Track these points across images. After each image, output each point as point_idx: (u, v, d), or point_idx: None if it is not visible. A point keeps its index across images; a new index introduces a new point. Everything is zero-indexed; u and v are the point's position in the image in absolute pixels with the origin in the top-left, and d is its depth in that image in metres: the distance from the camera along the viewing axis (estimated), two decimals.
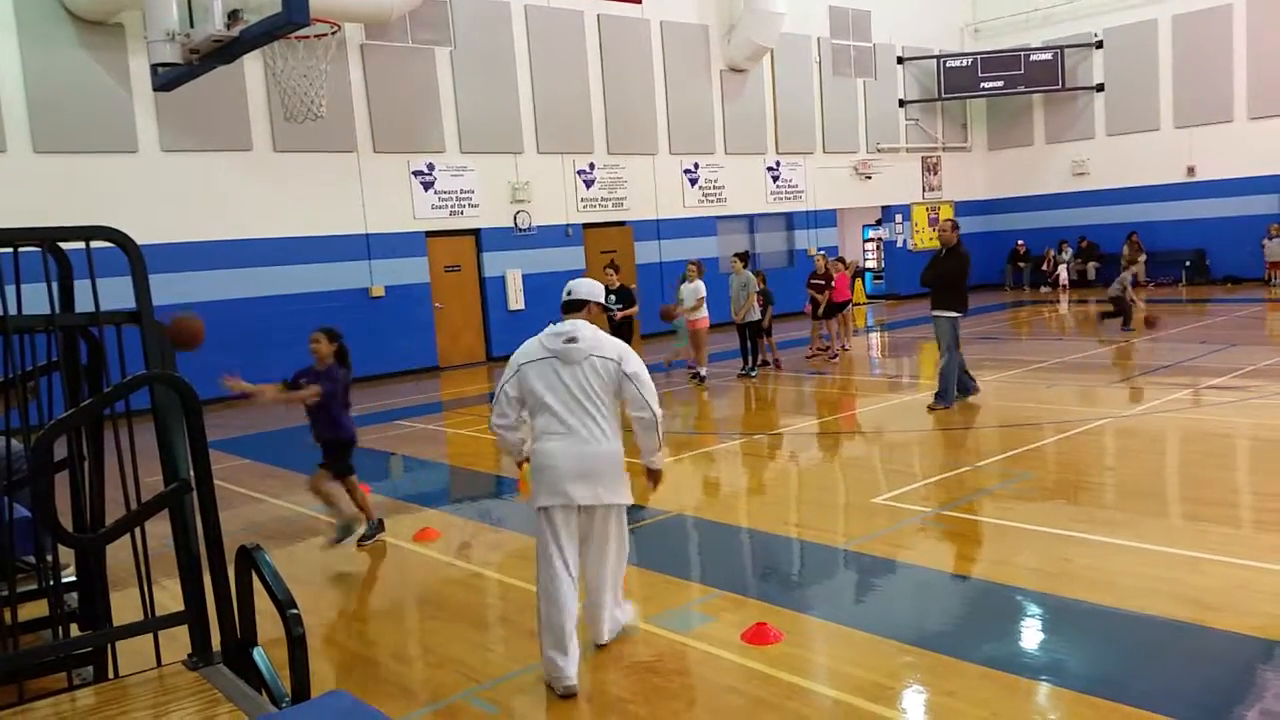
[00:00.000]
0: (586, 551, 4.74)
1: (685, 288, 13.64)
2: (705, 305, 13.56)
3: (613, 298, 12.16)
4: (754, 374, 14.01)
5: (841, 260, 17.28)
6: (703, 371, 13.70)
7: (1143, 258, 24.20)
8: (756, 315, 14.05)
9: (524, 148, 18.63)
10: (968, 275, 10.60)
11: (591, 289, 4.90)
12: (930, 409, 10.59)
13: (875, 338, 18.96)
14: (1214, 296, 20.86)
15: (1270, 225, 22.19)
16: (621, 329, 12.25)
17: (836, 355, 15.28)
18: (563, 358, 4.58)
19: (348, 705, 2.77)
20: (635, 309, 12.46)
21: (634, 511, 7.68)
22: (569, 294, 4.85)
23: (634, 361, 4.66)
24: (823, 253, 16.94)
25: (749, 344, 14.19)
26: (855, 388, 13.24)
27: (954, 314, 10.42)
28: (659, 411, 4.66)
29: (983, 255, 19.97)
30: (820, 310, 15.16)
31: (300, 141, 15.58)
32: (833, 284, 15.16)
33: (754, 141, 22.41)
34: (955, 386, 10.68)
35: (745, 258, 14.32)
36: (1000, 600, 5.28)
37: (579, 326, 4.66)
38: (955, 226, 10.76)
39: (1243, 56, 22.70)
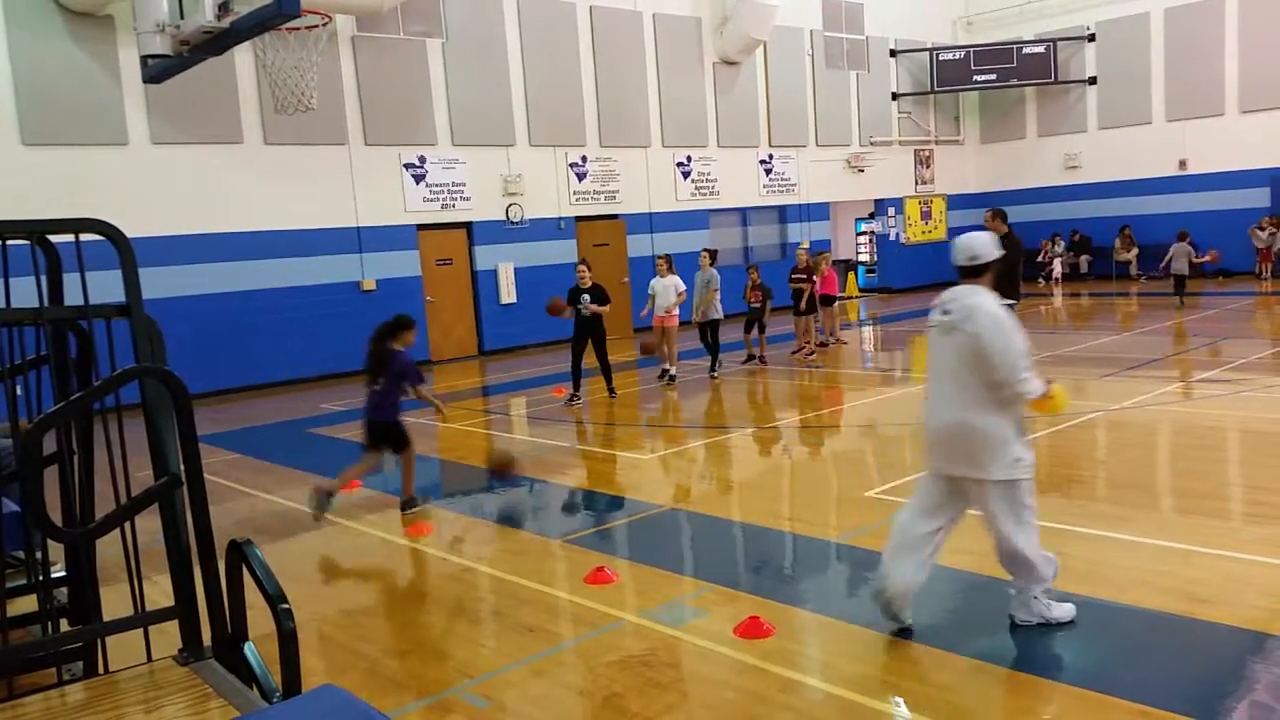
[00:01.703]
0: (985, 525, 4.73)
1: (657, 282, 13.31)
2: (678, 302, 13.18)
3: (586, 297, 11.88)
4: (715, 375, 13.51)
5: (828, 254, 17.26)
6: (673, 370, 13.38)
7: (1135, 251, 24.27)
8: (718, 314, 13.59)
9: (516, 140, 18.58)
10: (1020, 263, 10.73)
11: (977, 248, 4.66)
12: None
13: (867, 332, 18.97)
14: (1205, 290, 20.92)
15: (1261, 218, 22.26)
16: (593, 327, 11.93)
17: (814, 352, 15.00)
18: (940, 328, 4.64)
19: (339, 700, 2.76)
20: (608, 307, 11.99)
21: (632, 503, 7.68)
22: (968, 258, 4.66)
23: (997, 335, 4.41)
24: (804, 248, 16.59)
25: (711, 342, 13.66)
26: (846, 382, 13.25)
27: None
28: (1025, 387, 4.41)
29: None
30: (802, 304, 14.82)
31: (291, 134, 15.51)
32: (815, 278, 15.02)
33: (746, 134, 22.39)
34: None
35: (714, 255, 14.02)
36: (992, 593, 5.28)
37: (957, 297, 4.62)
38: (996, 215, 10.84)
39: (1234, 50, 22.75)
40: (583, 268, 12.12)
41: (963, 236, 4.78)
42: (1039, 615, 4.71)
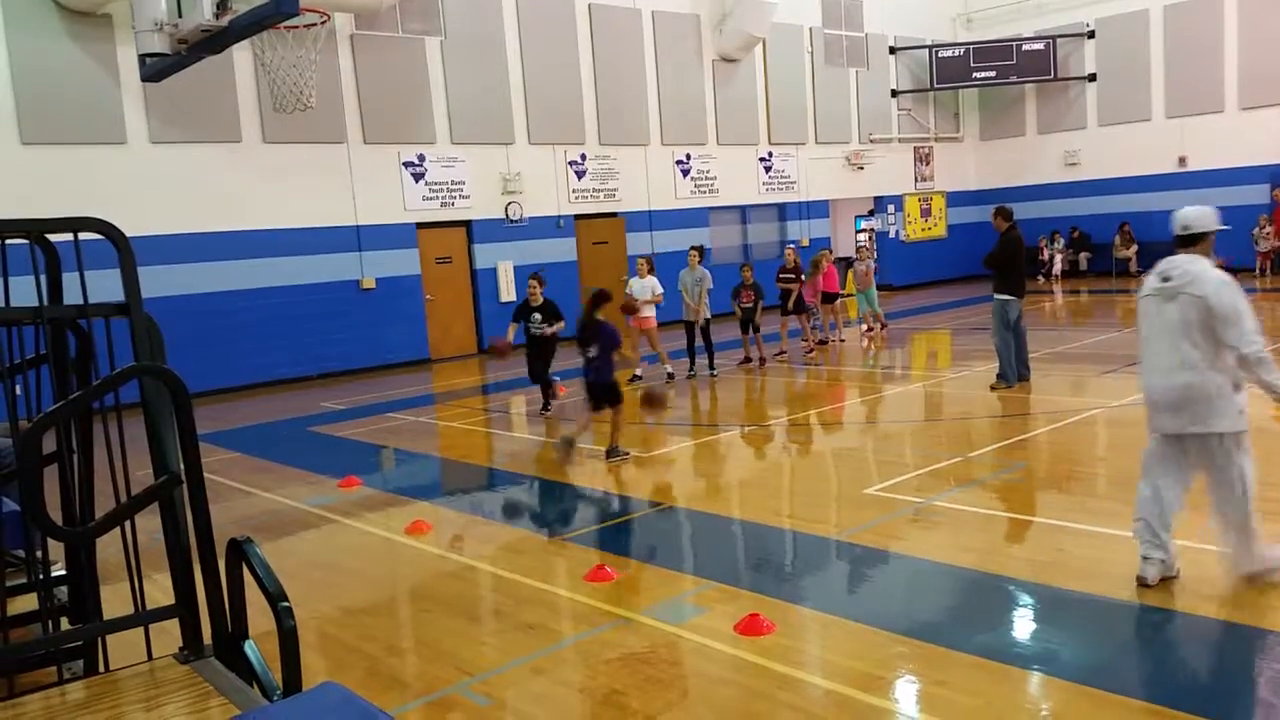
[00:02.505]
0: (1209, 482, 4.97)
1: (635, 282, 13.14)
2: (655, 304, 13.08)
3: (537, 316, 11.05)
4: (714, 373, 13.41)
5: (829, 251, 17.32)
6: (669, 368, 13.24)
7: (1134, 248, 24.25)
8: (708, 313, 13.37)
9: (515, 138, 18.57)
10: (1017, 259, 11.07)
11: (1191, 219, 5.00)
12: (992, 388, 10.99)
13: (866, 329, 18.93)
14: None
15: (1260, 216, 22.26)
16: (546, 347, 11.19)
17: (812, 350, 14.93)
18: (1161, 295, 4.90)
19: (339, 697, 2.76)
20: (562, 324, 11.08)
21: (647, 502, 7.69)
22: (1182, 228, 5.00)
23: (1225, 297, 4.70)
24: (791, 245, 16.50)
25: (705, 342, 13.40)
26: (845, 380, 13.25)
27: (1003, 296, 10.91)
28: (1251, 348, 4.66)
29: (975, 246, 20.02)
30: (790, 305, 14.65)
31: (290, 133, 15.50)
32: (802, 278, 14.91)
33: (746, 132, 22.38)
34: (1011, 365, 11.03)
35: (702, 252, 13.81)
36: (992, 590, 5.29)
37: (1176, 264, 4.90)
38: (998, 213, 11.18)
39: (1234, 46, 22.72)
40: (534, 282, 11.34)
41: (1180, 210, 5.10)
42: (1274, 560, 4.86)
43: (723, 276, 14.18)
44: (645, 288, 13.06)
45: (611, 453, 8.90)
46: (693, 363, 13.65)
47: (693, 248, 14.00)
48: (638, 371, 13.41)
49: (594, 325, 8.88)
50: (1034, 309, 19.74)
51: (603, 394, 8.87)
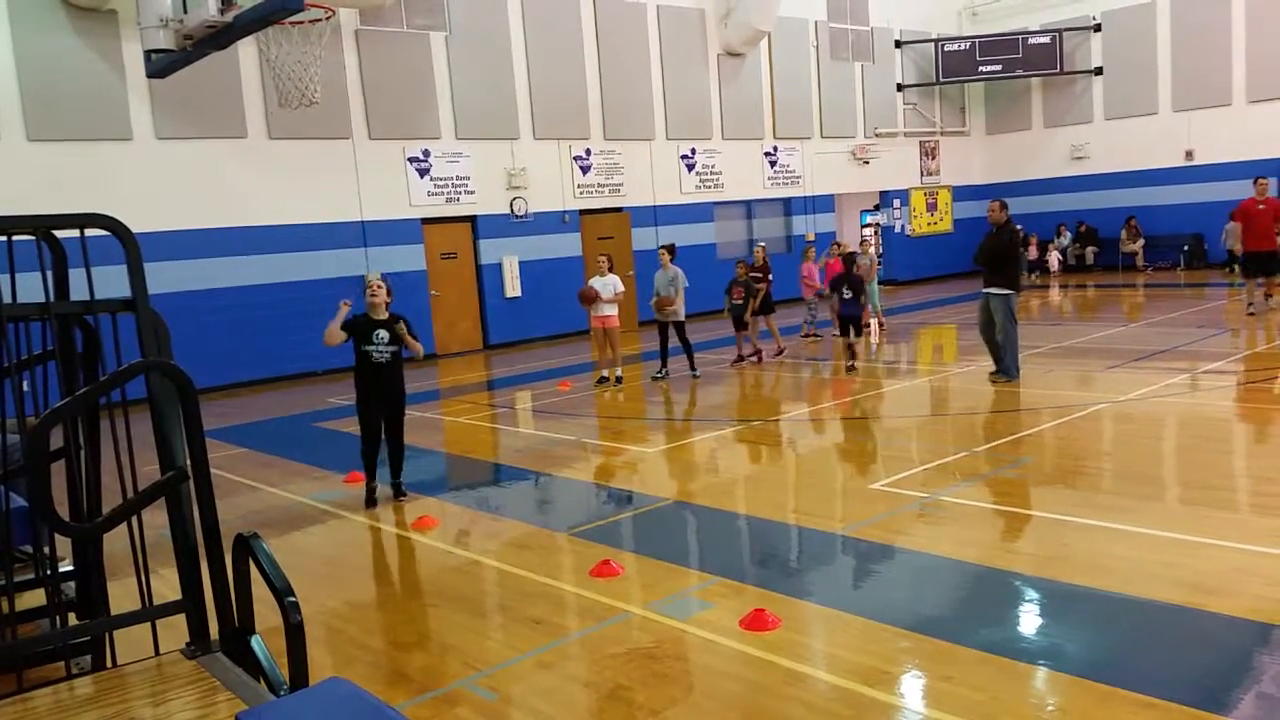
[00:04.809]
0: None
1: (596, 281, 12.85)
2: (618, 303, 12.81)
3: (383, 334, 7.63)
4: (696, 374, 13.04)
5: (838, 245, 17.29)
6: (619, 371, 13.03)
7: (1141, 242, 24.19)
8: (681, 315, 13.01)
9: (520, 134, 18.56)
10: (1016, 253, 10.99)
11: None
12: (992, 380, 11.02)
13: (872, 324, 18.90)
14: (1212, 280, 20.86)
15: None
16: (392, 383, 7.81)
17: (781, 351, 14.52)
18: None
19: (346, 692, 2.77)
20: (419, 353, 8.01)
21: (630, 500, 7.70)
22: None
23: None
24: (762, 245, 16.03)
25: (682, 342, 13.01)
26: (849, 375, 13.22)
27: (1005, 291, 10.76)
28: None
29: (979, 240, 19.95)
30: (756, 304, 13.99)
31: (295, 128, 15.51)
32: (770, 277, 14.73)
33: (751, 126, 22.34)
34: (1017, 360, 11.02)
35: (673, 250, 13.32)
36: (998, 585, 5.29)
37: None
38: (1003, 206, 11.16)
39: (1241, 39, 22.62)
40: (377, 281, 7.87)
41: None
42: None
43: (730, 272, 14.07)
44: (607, 285, 12.75)
45: (850, 369, 12.50)
46: (663, 364, 13.29)
47: (662, 247, 13.51)
48: (604, 373, 13.11)
49: (855, 276, 12.61)
50: (1032, 304, 19.70)
51: (854, 322, 12.51)
